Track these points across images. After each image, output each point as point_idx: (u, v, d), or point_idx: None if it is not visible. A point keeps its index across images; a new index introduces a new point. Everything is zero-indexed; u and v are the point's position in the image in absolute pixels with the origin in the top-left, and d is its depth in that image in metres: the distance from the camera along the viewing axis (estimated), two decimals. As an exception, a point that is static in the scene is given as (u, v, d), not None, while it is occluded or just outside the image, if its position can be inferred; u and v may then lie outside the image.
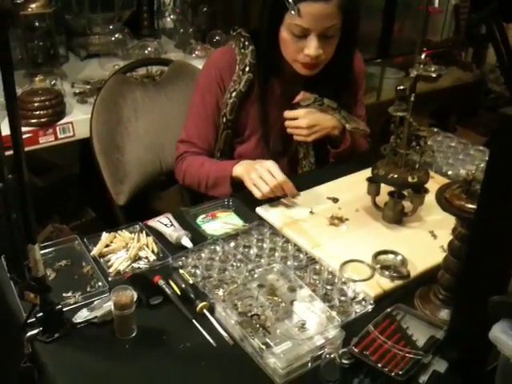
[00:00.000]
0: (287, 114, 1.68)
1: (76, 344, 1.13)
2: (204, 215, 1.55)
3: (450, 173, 1.73)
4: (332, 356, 1.04)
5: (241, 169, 1.59)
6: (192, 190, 2.37)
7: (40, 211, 1.55)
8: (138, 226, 1.48)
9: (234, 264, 1.34)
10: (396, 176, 1.39)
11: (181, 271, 1.27)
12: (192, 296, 1.21)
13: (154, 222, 1.49)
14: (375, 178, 1.43)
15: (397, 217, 1.47)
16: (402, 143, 1.39)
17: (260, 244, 1.42)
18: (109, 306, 1.18)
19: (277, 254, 1.38)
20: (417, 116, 2.06)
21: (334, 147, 1.75)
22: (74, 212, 3.00)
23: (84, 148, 2.41)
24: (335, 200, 1.58)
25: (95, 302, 1.20)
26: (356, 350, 1.05)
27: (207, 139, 1.77)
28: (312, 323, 1.10)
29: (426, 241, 1.42)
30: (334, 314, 1.12)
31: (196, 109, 1.75)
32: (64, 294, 1.23)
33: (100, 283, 1.27)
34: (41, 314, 1.11)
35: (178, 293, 1.23)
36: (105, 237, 1.42)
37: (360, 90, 1.84)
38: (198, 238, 1.43)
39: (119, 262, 1.33)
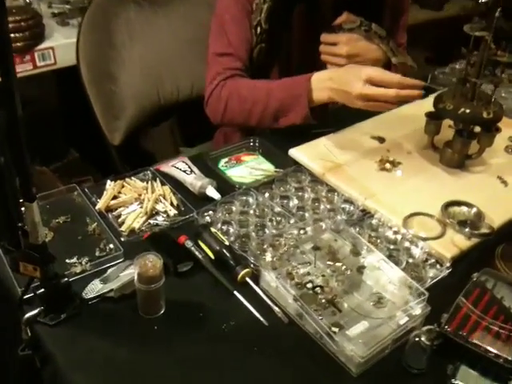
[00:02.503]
0: (326, 37, 1.38)
1: (88, 326, 0.89)
2: (226, 159, 1.29)
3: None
4: (417, 338, 0.82)
5: (326, 92, 1.25)
6: (186, 127, 2.06)
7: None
8: (149, 173, 1.22)
9: (273, 219, 1.10)
10: (468, 111, 1.14)
11: (212, 229, 1.02)
12: (231, 262, 0.96)
13: (168, 168, 1.22)
14: (440, 113, 1.18)
15: (460, 160, 1.24)
16: (474, 71, 1.14)
17: (300, 194, 1.18)
18: (128, 275, 0.93)
19: (322, 207, 1.14)
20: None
21: None
22: (55, 152, 2.69)
23: (64, 79, 2.10)
24: (381, 140, 1.34)
25: (109, 271, 0.95)
26: (449, 329, 0.84)
27: (250, 47, 1.37)
28: (390, 296, 0.88)
29: (497, 188, 1.20)
30: (414, 283, 0.90)
31: (227, 11, 1.36)
32: (67, 261, 0.98)
33: (111, 245, 1.02)
34: (42, 289, 0.86)
35: (212, 257, 0.99)
36: (110, 186, 1.15)
37: (404, 13, 1.54)
38: (224, 186, 1.18)
39: (132, 217, 1.07)
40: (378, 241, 1.04)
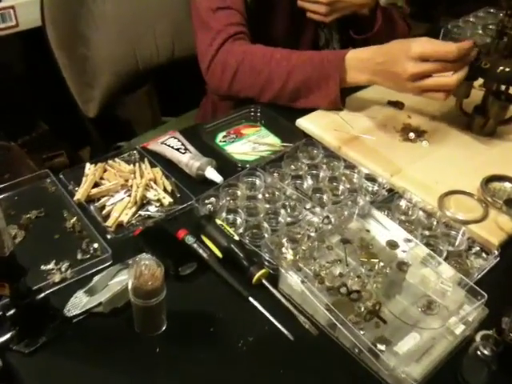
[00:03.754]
0: None
1: (73, 350, 0.72)
2: (224, 133, 1.11)
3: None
4: (478, 350, 0.68)
5: (365, 75, 1.06)
6: (168, 94, 1.85)
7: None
8: (135, 153, 1.03)
9: (287, 204, 0.93)
10: (508, 69, 0.98)
11: (217, 221, 0.85)
12: (243, 261, 0.80)
13: (157, 146, 1.04)
14: (474, 72, 1.01)
15: (494, 126, 1.08)
16: (515, 21, 0.97)
17: (314, 172, 1.01)
18: (119, 283, 0.76)
19: (341, 187, 0.98)
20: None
21: (360, 32, 1.29)
22: (22, 125, 2.46)
23: (30, 43, 1.86)
24: (400, 105, 1.17)
25: (95, 279, 0.78)
26: (514, 337, 0.70)
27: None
28: (442, 299, 0.73)
29: (539, 159, 1.05)
30: (469, 282, 0.75)
31: None
32: (43, 268, 0.80)
33: (96, 245, 0.84)
34: (13, 310, 0.69)
35: (219, 255, 0.83)
36: (90, 171, 0.96)
37: None
38: (224, 166, 1.00)
39: (119, 208, 0.89)
40: (412, 227, 0.89)
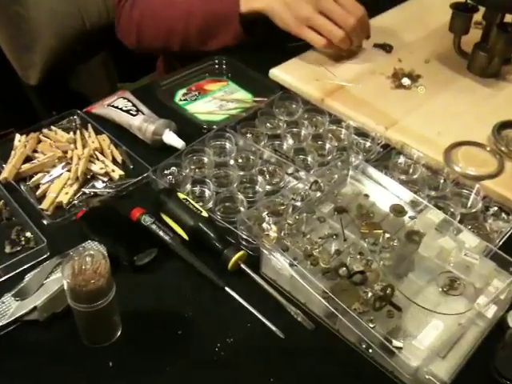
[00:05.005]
0: None
1: (2, 370, 0.56)
2: (185, 90, 0.93)
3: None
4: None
5: (261, 1, 0.93)
6: (123, 57, 1.65)
7: None
8: (76, 118, 0.85)
9: (265, 169, 0.77)
10: (517, -6, 0.82)
11: (180, 195, 0.68)
12: (215, 242, 0.64)
13: (103, 109, 0.86)
14: (477, 1, 0.85)
15: (498, 66, 0.93)
16: None
17: (295, 130, 0.85)
18: (57, 281, 0.60)
19: (328, 146, 0.82)
20: None
21: None
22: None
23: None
24: (388, 48, 1.00)
25: (27, 278, 0.61)
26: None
27: None
28: (466, 275, 0.58)
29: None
30: (498, 251, 0.60)
31: None
32: (-41, 267, 0.63)
33: (28, 234, 0.67)
34: None
35: (185, 237, 0.66)
36: (20, 143, 0.78)
37: None
38: (187, 129, 0.83)
39: (57, 187, 0.72)
40: (416, 187, 0.74)
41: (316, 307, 0.59)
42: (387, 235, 0.61)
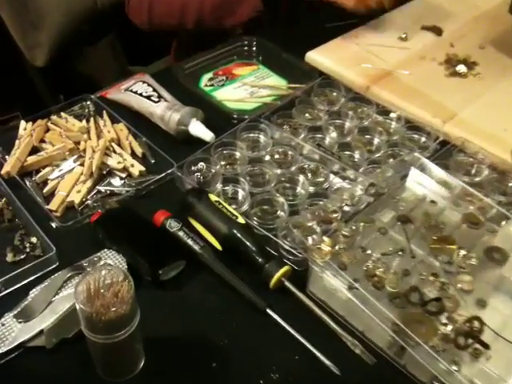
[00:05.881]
0: None
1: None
2: (211, 74, 0.83)
3: None
4: None
5: None
6: (135, 39, 1.55)
7: None
8: (89, 104, 0.75)
9: (306, 167, 0.67)
10: None
11: (212, 196, 0.58)
12: (254, 255, 0.54)
13: (120, 94, 0.76)
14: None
15: None
16: None
17: (338, 122, 0.74)
18: (67, 298, 0.50)
19: (376, 140, 0.71)
20: None
21: None
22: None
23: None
24: (437, 31, 0.90)
25: (31, 295, 0.51)
26: None
27: None
28: None
29: None
30: None
31: None
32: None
33: (34, 239, 0.57)
34: None
35: (217, 246, 0.56)
36: (26, 131, 0.68)
37: None
38: (214, 118, 0.73)
39: (68, 184, 0.62)
40: (481, 193, 0.63)
41: (378, 337, 0.49)
42: (462, 252, 0.51)
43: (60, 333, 0.49)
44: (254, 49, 0.87)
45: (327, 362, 0.48)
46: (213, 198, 0.58)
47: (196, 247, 0.55)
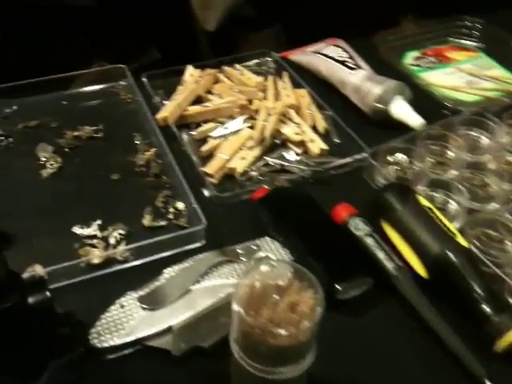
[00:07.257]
0: None
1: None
2: (418, 53, 0.66)
3: None
4: None
5: None
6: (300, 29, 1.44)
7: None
8: (270, 61, 0.62)
9: (546, 188, 0.48)
10: None
11: (424, 201, 0.42)
12: (478, 298, 0.37)
13: (308, 56, 0.62)
14: None
15: None
16: None
17: None
18: (212, 291, 0.36)
19: None
20: None
21: None
22: (131, 50, 2.15)
23: None
24: None
25: (165, 275, 0.38)
26: None
27: None
28: None
29: None
30: None
31: None
32: (75, 230, 0.42)
33: (180, 205, 0.45)
34: None
35: (422, 273, 0.40)
36: (192, 78, 0.56)
37: None
38: (420, 103, 0.56)
39: (231, 147, 0.49)
40: None
41: None
42: None
43: (193, 338, 0.35)
44: (477, 32, 0.69)
45: None
46: (423, 201, 0.42)
47: (389, 265, 0.39)
